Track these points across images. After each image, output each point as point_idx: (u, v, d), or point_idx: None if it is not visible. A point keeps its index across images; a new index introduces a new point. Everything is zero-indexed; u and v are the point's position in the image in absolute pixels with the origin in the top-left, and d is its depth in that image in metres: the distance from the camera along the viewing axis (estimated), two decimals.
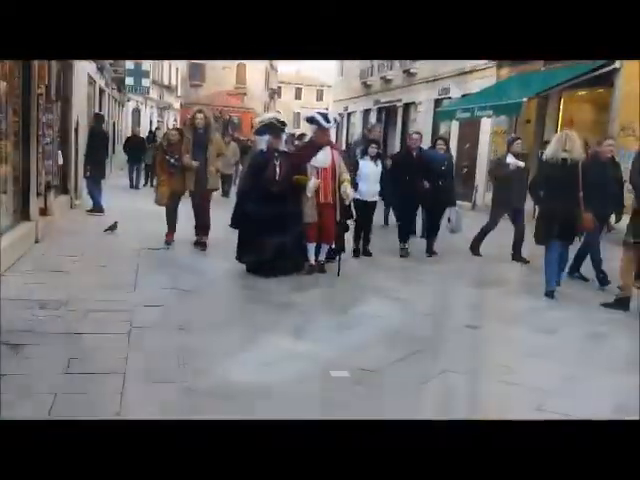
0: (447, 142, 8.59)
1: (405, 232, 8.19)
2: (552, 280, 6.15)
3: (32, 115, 7.50)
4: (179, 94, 40.38)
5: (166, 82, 34.83)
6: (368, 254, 7.93)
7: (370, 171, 7.82)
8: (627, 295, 5.83)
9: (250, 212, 6.36)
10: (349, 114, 25.92)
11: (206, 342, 4.34)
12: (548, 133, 12.96)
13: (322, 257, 6.86)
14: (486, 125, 14.83)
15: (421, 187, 7.77)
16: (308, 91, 64.34)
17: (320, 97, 62.66)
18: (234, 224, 6.57)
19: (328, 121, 6.50)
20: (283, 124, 6.60)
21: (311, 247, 6.83)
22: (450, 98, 16.82)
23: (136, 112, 29.13)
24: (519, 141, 8.40)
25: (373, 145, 8.06)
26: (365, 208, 7.91)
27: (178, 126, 31.04)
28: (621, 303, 5.81)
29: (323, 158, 6.55)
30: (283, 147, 6.55)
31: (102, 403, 3.17)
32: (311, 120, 6.62)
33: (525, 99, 11.25)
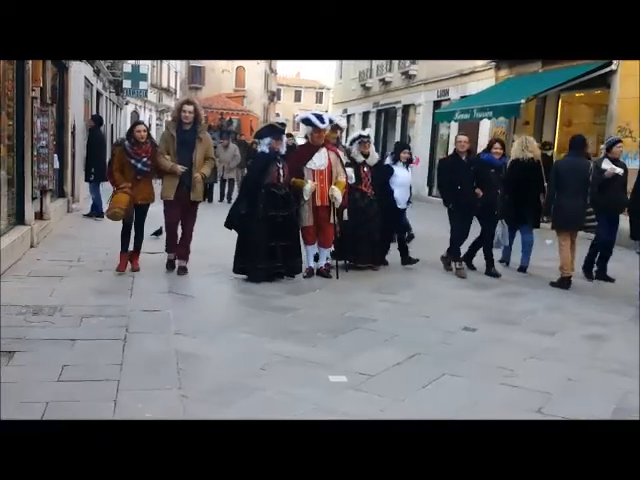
0: (504, 145, 7.50)
1: (458, 248, 7.24)
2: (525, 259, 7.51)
3: (26, 118, 7.46)
4: (178, 97, 40.38)
5: (165, 85, 34.84)
6: (384, 263, 7.43)
7: (404, 178, 7.53)
8: (568, 275, 6.76)
9: (254, 215, 6.22)
10: (348, 116, 25.85)
11: (203, 347, 4.28)
12: (547, 134, 12.95)
13: (322, 262, 6.79)
14: (485, 126, 14.79)
15: (475, 196, 6.94)
16: (308, 93, 64.42)
17: (320, 99, 62.74)
18: (230, 225, 6.45)
19: (323, 122, 6.40)
20: (283, 126, 6.54)
21: (310, 250, 6.78)
22: (449, 100, 16.78)
23: (135, 115, 29.12)
24: (620, 144, 7.28)
25: (406, 150, 7.70)
26: (398, 216, 7.62)
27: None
28: (563, 283, 6.72)
29: (319, 160, 6.49)
30: (284, 149, 6.46)
31: (94, 411, 3.11)
32: (306, 121, 6.54)
33: (523, 101, 11.21)
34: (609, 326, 5.41)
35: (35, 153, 7.92)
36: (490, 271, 7.27)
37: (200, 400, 3.38)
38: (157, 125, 31.61)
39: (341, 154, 6.91)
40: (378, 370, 4.03)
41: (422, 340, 4.71)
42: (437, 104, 17.65)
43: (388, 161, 7.77)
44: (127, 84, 18.55)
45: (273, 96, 54.01)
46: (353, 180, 6.91)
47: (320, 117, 6.45)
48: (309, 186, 6.36)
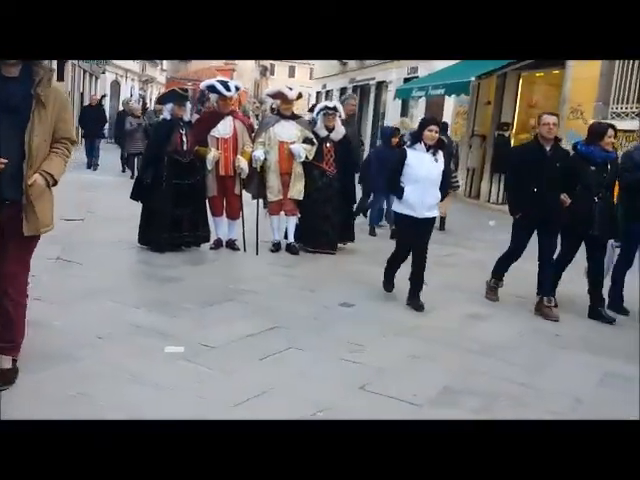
0: (616, 131, 5.15)
1: (506, 265, 5.36)
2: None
3: None
4: (164, 68, 39.88)
5: None
6: (420, 308, 4.95)
7: (425, 170, 4.82)
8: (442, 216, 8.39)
9: (157, 183, 6.13)
10: (327, 92, 25.60)
11: (53, 315, 4.19)
12: (505, 115, 12.76)
13: (232, 234, 6.67)
14: (449, 105, 14.57)
15: (560, 204, 4.97)
16: (302, 69, 63.57)
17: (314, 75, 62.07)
18: (136, 196, 6.37)
19: (229, 89, 6.26)
20: (186, 91, 6.41)
21: (219, 222, 6.67)
22: (417, 77, 16.50)
23: (115, 85, 28.71)
24: None
25: (432, 127, 4.83)
26: (415, 229, 4.93)
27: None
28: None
29: (223, 128, 6.33)
30: (188, 117, 6.31)
31: None
32: (211, 89, 6.40)
33: (473, 78, 10.99)
34: (498, 307, 5.31)
35: None
36: (595, 312, 5.06)
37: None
38: (140, 96, 31.14)
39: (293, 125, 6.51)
40: (223, 342, 3.96)
41: (290, 314, 4.62)
42: (407, 81, 17.36)
43: (407, 141, 5.58)
44: None
45: (265, 71, 53.43)
46: (302, 159, 6.44)
47: (225, 84, 6.32)
48: (212, 154, 6.23)
